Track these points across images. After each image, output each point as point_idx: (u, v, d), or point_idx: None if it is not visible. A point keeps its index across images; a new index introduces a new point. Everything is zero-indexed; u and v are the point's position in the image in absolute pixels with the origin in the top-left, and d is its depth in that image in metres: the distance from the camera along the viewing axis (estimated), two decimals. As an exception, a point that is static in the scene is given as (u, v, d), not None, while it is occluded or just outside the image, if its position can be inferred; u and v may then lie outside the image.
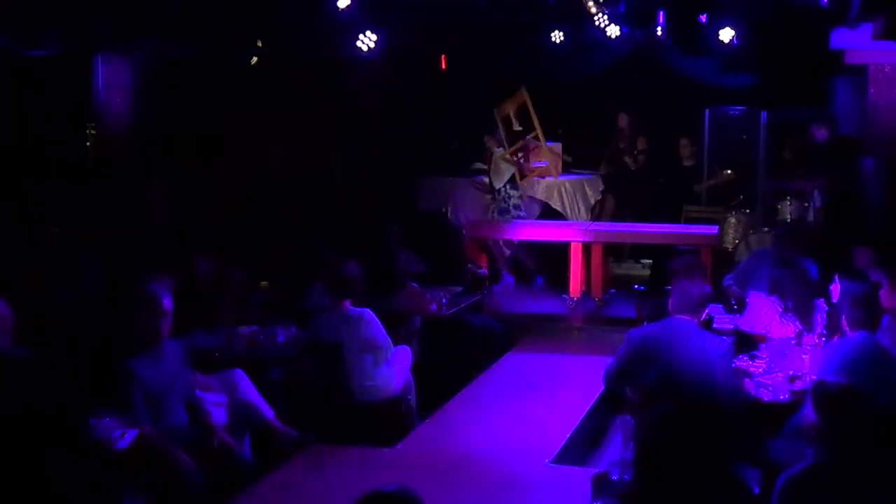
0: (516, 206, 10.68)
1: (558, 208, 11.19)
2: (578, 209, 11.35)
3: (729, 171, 11.41)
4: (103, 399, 5.20)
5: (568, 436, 6.20)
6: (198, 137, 9.99)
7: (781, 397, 5.45)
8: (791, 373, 5.63)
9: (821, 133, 10.27)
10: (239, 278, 7.22)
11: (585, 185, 11.57)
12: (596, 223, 10.88)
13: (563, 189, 11.27)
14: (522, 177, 10.84)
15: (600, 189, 11.79)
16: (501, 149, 10.87)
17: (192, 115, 9.55)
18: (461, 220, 10.88)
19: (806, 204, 10.33)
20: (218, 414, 5.85)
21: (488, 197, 10.96)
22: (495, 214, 10.69)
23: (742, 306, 7.19)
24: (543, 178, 11.28)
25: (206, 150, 10.26)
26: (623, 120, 12.22)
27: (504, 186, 10.66)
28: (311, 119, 10.86)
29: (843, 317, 5.25)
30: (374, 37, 8.37)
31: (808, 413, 3.88)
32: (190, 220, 9.42)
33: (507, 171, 10.71)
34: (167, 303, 5.52)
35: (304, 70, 10.18)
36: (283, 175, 10.78)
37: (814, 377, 5.04)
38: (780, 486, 3.69)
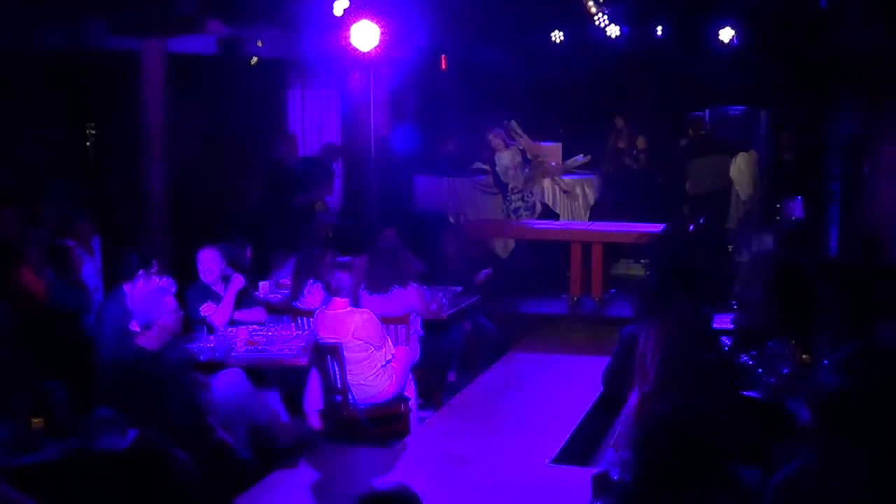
0: (527, 207, 10.70)
1: (557, 209, 11.19)
2: (578, 209, 11.35)
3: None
4: (103, 399, 5.21)
5: (568, 436, 6.20)
6: (198, 137, 9.99)
7: (781, 397, 5.45)
8: (790, 372, 5.63)
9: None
10: (242, 277, 7.23)
11: (585, 185, 11.57)
12: (596, 223, 10.88)
13: (562, 189, 11.27)
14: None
15: (600, 189, 11.80)
16: (511, 142, 10.84)
17: (190, 113, 9.53)
18: (462, 220, 10.88)
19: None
20: (218, 413, 5.86)
21: (498, 196, 10.98)
22: (511, 214, 10.68)
23: (742, 306, 7.17)
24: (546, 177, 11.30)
25: (206, 149, 10.26)
26: (620, 121, 12.23)
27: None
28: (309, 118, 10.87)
29: (839, 316, 5.26)
30: (376, 30, 8.37)
31: (803, 412, 3.87)
32: (189, 220, 9.41)
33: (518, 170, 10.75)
34: (170, 302, 5.53)
35: (303, 70, 10.19)
36: (281, 175, 10.76)
37: (812, 377, 5.04)
38: (772, 485, 3.69)
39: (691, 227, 8.05)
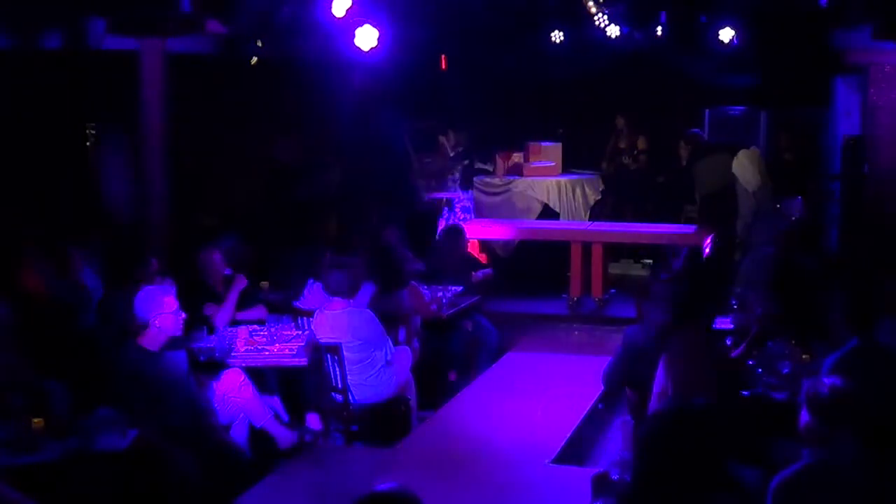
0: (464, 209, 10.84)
1: (556, 209, 11.19)
2: (578, 209, 11.34)
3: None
4: (103, 399, 5.21)
5: (568, 436, 6.20)
6: (198, 137, 10.00)
7: (781, 397, 5.45)
8: (790, 372, 5.63)
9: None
10: (244, 277, 7.24)
11: (585, 185, 11.57)
12: (596, 223, 10.88)
13: (562, 189, 11.28)
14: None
15: (600, 189, 11.80)
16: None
17: (191, 114, 9.54)
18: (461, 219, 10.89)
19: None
20: (218, 414, 5.86)
21: (499, 196, 11.08)
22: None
23: (742, 306, 7.18)
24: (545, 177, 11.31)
25: (206, 149, 10.26)
26: (621, 121, 12.23)
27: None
28: (310, 118, 10.86)
29: (838, 316, 5.25)
30: (375, 32, 8.38)
31: (802, 413, 3.88)
32: (189, 220, 9.42)
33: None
34: (170, 302, 5.53)
35: (303, 69, 10.17)
36: (283, 175, 10.77)
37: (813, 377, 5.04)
38: (773, 486, 3.69)
39: (706, 251, 8.08)
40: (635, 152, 12.15)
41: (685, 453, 3.29)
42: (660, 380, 5.09)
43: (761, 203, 10.48)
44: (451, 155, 11.20)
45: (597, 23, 10.15)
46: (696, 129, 11.30)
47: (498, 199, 11.26)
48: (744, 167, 10.51)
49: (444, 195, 10.89)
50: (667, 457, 3.31)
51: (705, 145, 11.18)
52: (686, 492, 3.29)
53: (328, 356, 6.29)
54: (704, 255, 8.19)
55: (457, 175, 11.16)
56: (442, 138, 11.15)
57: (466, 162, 11.44)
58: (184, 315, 5.64)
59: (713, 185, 10.62)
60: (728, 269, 9.19)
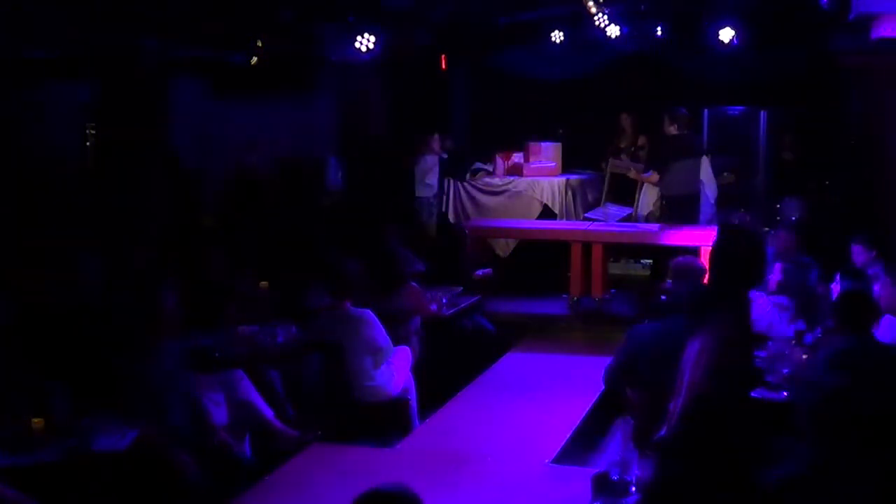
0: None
1: (556, 209, 11.19)
2: (578, 209, 11.34)
3: (727, 174, 11.44)
4: (103, 399, 5.21)
5: (568, 436, 6.20)
6: (197, 136, 10.00)
7: (781, 397, 5.45)
8: (791, 372, 5.63)
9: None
10: (250, 277, 7.24)
11: (585, 185, 11.56)
12: (596, 223, 10.87)
13: (562, 189, 11.27)
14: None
15: (600, 189, 11.80)
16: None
17: (192, 114, 9.55)
18: (462, 220, 10.89)
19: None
20: (218, 414, 5.86)
21: (500, 196, 11.11)
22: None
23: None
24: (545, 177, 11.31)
25: (205, 149, 10.27)
26: (626, 120, 12.21)
27: None
28: (311, 118, 10.87)
29: (838, 315, 5.25)
30: (372, 38, 8.38)
31: (801, 412, 3.88)
32: (191, 221, 9.42)
33: None
34: (169, 303, 5.53)
35: (304, 70, 10.19)
36: (284, 175, 10.78)
37: (811, 377, 5.04)
38: (766, 484, 3.69)
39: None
40: (633, 149, 12.14)
41: (710, 454, 3.28)
42: (689, 369, 5.03)
43: (715, 213, 10.44)
44: (441, 156, 11.18)
45: (597, 23, 10.15)
46: (683, 110, 11.10)
47: (498, 199, 11.25)
48: (708, 176, 10.46)
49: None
50: (692, 457, 3.29)
51: (686, 141, 10.90)
52: (710, 493, 3.29)
53: (329, 356, 6.29)
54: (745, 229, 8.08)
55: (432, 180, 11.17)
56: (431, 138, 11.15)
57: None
58: (181, 314, 5.64)
59: (681, 189, 10.47)
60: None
